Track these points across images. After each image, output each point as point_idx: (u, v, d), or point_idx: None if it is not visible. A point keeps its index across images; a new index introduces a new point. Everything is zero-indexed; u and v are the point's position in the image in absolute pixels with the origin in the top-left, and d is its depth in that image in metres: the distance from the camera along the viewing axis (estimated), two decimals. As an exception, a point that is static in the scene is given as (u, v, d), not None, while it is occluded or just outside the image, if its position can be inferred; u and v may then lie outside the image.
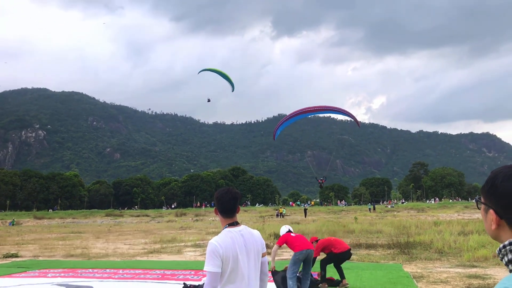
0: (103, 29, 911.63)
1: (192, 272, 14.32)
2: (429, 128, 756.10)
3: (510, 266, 1.70)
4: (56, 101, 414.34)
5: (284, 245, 11.00)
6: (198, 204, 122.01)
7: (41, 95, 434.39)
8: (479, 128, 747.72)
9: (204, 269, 3.90)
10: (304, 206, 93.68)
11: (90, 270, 15.29)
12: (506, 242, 1.70)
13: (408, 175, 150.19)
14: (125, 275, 14.14)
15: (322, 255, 11.97)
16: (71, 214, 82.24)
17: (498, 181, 1.73)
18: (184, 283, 11.26)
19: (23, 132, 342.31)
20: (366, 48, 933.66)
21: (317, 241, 11.62)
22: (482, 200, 1.83)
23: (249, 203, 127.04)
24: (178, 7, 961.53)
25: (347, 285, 11.47)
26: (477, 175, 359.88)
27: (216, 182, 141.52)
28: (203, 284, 4.68)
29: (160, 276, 13.76)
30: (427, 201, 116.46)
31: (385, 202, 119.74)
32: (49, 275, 14.43)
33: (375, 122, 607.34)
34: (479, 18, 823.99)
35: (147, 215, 76.75)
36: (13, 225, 58.37)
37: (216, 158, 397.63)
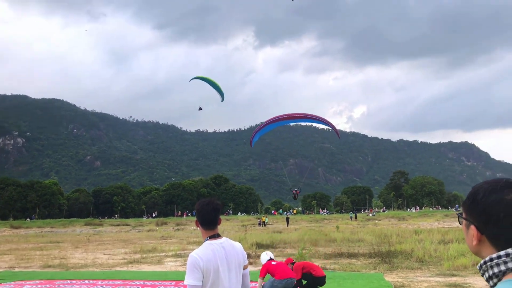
0: (85, 36, 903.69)
1: (173, 283, 14.15)
2: (409, 137, 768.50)
3: (490, 282, 1.70)
4: (36, 108, 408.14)
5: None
6: (179, 213, 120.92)
7: (20, 102, 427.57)
8: (458, 137, 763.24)
9: (185, 282, 3.87)
10: (286, 214, 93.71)
11: (68, 281, 14.97)
12: (487, 258, 1.70)
13: (389, 183, 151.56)
14: (104, 286, 13.89)
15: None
16: (49, 223, 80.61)
17: (479, 197, 1.74)
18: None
19: (1, 139, 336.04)
20: (347, 58, 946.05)
21: (293, 263, 11.60)
22: (464, 215, 1.83)
23: (231, 212, 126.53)
24: (161, 16, 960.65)
25: None
26: (457, 184, 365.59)
27: (198, 190, 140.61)
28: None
29: (140, 287, 13.55)
30: (408, 209, 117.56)
31: (366, 211, 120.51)
32: (25, 287, 14.09)
33: (356, 131, 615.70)
34: (457, 31, 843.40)
35: (127, 224, 75.74)
36: (-11, 234, 56.99)
37: (198, 167, 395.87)
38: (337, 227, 45.09)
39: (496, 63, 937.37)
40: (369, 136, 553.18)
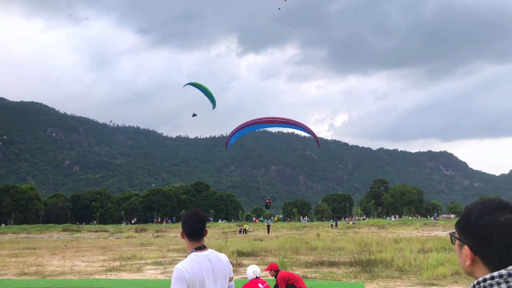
0: (67, 40, 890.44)
1: (153, 292, 13.94)
2: (390, 145, 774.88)
3: None
4: (14, 111, 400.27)
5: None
6: (159, 220, 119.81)
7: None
8: (437, 146, 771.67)
9: (170, 295, 3.79)
10: (267, 222, 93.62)
11: (45, 289, 14.63)
12: (480, 279, 1.73)
13: (369, 191, 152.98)
14: (82, 295, 13.61)
15: None
16: (25, 229, 78.97)
17: (472, 218, 1.77)
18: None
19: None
20: (330, 67, 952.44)
21: (277, 271, 11.53)
22: (457, 235, 1.85)
23: (211, 219, 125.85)
24: (144, 20, 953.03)
25: None
26: (435, 193, 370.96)
27: (178, 197, 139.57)
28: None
29: (119, 296, 13.33)
30: (388, 217, 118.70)
31: (346, 219, 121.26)
32: (0, 295, 13.72)
33: (338, 139, 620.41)
34: (436, 42, 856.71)
35: (105, 231, 74.71)
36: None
37: (179, 173, 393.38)
38: (318, 235, 45.21)
39: (474, 74, 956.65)
40: (350, 144, 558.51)
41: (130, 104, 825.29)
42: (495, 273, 1.69)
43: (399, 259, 20.84)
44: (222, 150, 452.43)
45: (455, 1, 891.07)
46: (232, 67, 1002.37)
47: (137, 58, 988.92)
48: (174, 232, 64.25)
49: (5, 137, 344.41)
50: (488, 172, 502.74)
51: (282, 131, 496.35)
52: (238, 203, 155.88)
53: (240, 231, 64.93)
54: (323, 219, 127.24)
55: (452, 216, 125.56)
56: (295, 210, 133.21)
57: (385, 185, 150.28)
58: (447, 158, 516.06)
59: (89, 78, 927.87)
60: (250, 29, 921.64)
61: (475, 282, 1.75)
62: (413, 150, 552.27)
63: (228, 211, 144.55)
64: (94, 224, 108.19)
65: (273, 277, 11.59)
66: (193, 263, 3.88)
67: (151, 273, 19.38)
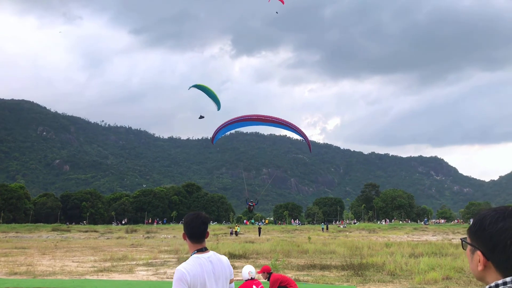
0: (60, 38, 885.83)
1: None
2: (381, 150, 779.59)
3: None
4: (4, 109, 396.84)
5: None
6: (150, 221, 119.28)
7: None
8: (428, 152, 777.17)
9: (171, 297, 3.80)
10: (258, 224, 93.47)
11: (36, 289, 14.52)
12: (493, 284, 1.77)
13: (360, 195, 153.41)
14: (73, 295, 13.52)
15: None
16: (14, 228, 78.19)
17: (486, 224, 1.82)
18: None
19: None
20: (322, 71, 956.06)
21: (270, 273, 11.55)
22: (469, 240, 1.89)
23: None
24: (138, 20, 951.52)
25: None
26: (426, 197, 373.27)
27: (169, 198, 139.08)
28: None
29: (112, 297, 13.26)
30: (378, 222, 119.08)
31: (337, 222, 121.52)
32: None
33: (330, 142, 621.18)
34: (428, 48, 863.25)
35: (96, 231, 74.16)
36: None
37: (170, 174, 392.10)
38: (309, 238, 45.28)
39: (465, 81, 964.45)
40: (341, 148, 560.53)
41: (123, 104, 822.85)
42: (508, 279, 1.74)
43: (390, 263, 20.94)
44: (213, 152, 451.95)
45: (447, 8, 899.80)
46: (226, 69, 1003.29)
47: (131, 58, 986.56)
48: (165, 234, 64.01)
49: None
50: (478, 178, 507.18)
51: (274, 134, 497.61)
52: (229, 205, 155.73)
53: (231, 233, 64.89)
54: (314, 222, 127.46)
55: (442, 221, 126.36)
56: (286, 213, 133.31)
57: (376, 189, 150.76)
58: (437, 164, 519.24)
59: (82, 78, 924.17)
60: (244, 32, 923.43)
61: (487, 287, 1.80)
62: (404, 155, 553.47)
63: (219, 213, 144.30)
64: (84, 224, 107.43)
65: (266, 280, 11.62)
66: (194, 265, 3.89)
67: (142, 274, 19.30)
